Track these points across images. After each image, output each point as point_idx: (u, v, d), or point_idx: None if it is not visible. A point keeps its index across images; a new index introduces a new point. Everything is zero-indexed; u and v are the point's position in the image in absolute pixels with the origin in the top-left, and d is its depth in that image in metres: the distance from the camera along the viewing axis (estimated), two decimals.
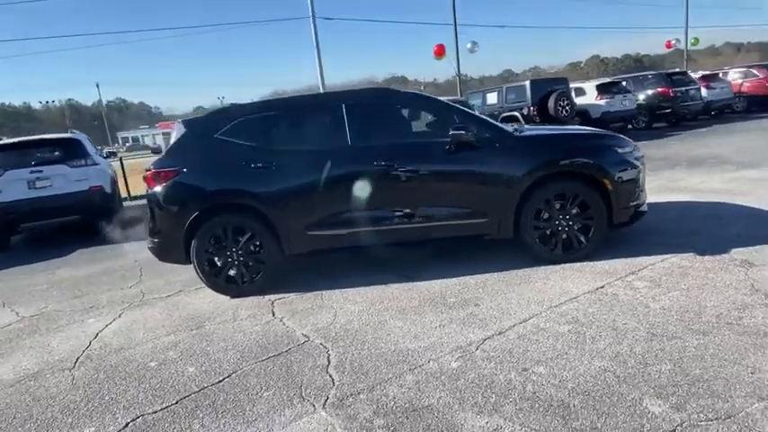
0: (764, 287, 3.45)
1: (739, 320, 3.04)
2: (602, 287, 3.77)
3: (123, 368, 3.30)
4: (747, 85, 18.45)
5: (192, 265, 4.42)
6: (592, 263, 4.25)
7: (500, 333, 3.22)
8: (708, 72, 19.32)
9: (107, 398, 2.95)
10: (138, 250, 6.66)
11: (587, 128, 5.88)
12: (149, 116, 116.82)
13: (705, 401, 2.31)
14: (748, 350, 2.70)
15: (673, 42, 27.60)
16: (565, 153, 4.30)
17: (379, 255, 4.65)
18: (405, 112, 4.69)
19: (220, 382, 2.99)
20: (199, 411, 2.70)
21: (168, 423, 2.62)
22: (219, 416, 2.63)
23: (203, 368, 3.18)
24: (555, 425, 2.27)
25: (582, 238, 4.33)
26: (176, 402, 2.81)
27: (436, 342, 3.20)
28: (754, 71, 18.50)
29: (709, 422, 2.17)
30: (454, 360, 2.95)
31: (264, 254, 4.35)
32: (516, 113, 13.02)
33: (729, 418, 2.18)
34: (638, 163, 4.45)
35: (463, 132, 4.17)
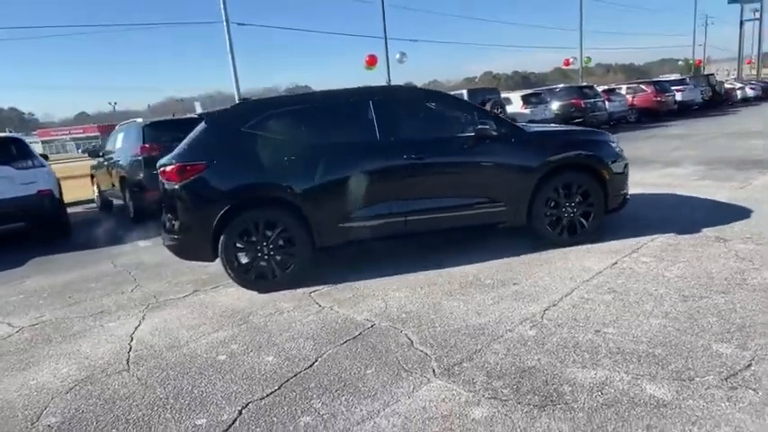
0: (747, 255, 4.14)
1: (745, 282, 3.63)
2: (615, 263, 4.26)
3: (191, 364, 3.17)
4: (638, 99, 20.99)
5: (190, 264, 4.28)
6: (595, 245, 4.76)
7: (554, 305, 3.55)
8: (607, 87, 21.68)
9: (196, 391, 2.83)
10: (110, 256, 6.23)
11: (581, 127, 6.48)
12: (22, 122, 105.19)
13: (760, 341, 2.80)
14: (765, 302, 3.27)
15: (571, 60, 30.73)
16: (572, 147, 4.79)
17: (392, 247, 4.82)
18: (427, 109, 4.91)
19: (311, 366, 3.00)
20: (310, 393, 2.70)
21: (285, 405, 2.60)
22: (335, 394, 2.67)
23: (283, 356, 3.15)
24: (655, 369, 2.61)
25: (584, 223, 4.84)
26: (279, 387, 2.79)
27: (501, 316, 3.45)
28: (643, 87, 21.12)
29: None
30: (529, 329, 3.22)
31: (295, 247, 4.33)
32: None
33: None
34: (624, 155, 5.07)
35: (488, 128, 4.50)
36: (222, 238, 4.20)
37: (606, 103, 18.82)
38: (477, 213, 4.65)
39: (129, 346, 3.52)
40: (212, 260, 4.38)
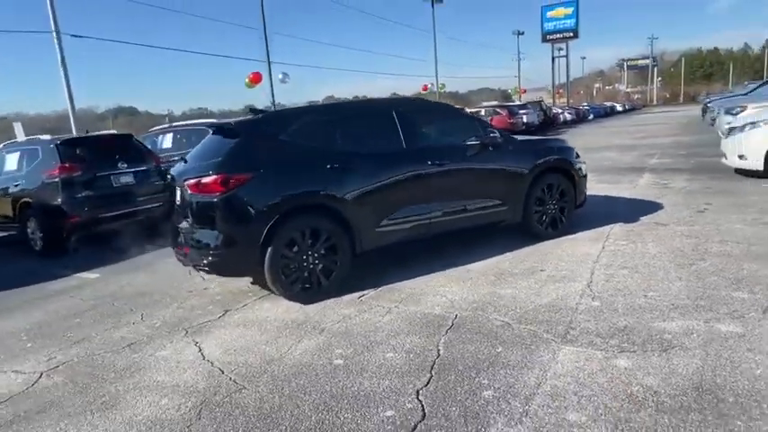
0: (691, 234, 5.30)
1: (708, 251, 4.69)
2: (603, 247, 5.11)
3: (313, 371, 3.09)
4: (495, 120, 23.85)
5: (176, 288, 4.10)
6: (573, 235, 5.61)
7: (591, 282, 4.19)
8: (473, 109, 24.27)
9: (351, 391, 2.82)
10: (58, 292, 5.39)
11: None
12: None
13: (759, 287, 3.74)
14: (741, 260, 4.32)
15: (429, 86, 33.72)
16: (551, 152, 5.60)
17: (401, 251, 5.08)
18: (439, 118, 5.29)
19: (439, 355, 3.16)
20: (466, 373, 2.89)
21: (455, 386, 2.76)
22: (491, 371, 2.90)
23: (401, 351, 3.26)
24: (713, 315, 3.35)
25: (562, 218, 5.67)
26: (433, 374, 2.92)
27: (559, 295, 3.97)
28: (499, 110, 24.11)
29: None
30: (592, 301, 3.79)
31: (337, 255, 4.36)
32: None
33: None
34: (583, 161, 6.07)
35: (497, 136, 5.07)
36: (270, 249, 4.06)
37: None
38: (485, 213, 5.16)
39: (218, 369, 3.25)
40: (255, 274, 4.18)
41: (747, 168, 7.92)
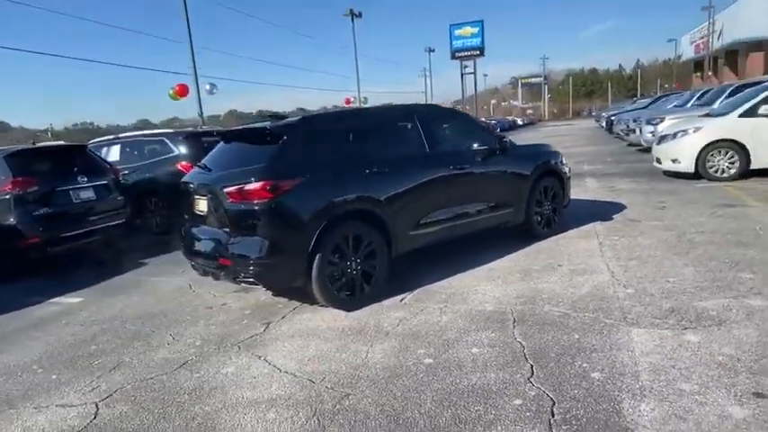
0: (669, 227, 5.94)
1: (694, 241, 5.31)
2: (600, 243, 5.57)
3: (411, 371, 3.09)
4: None
5: (191, 307, 3.98)
6: (565, 233, 6.05)
7: (612, 273, 4.55)
8: None
9: (465, 385, 2.86)
10: (54, 316, 4.81)
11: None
12: None
13: (759, 267, 4.32)
14: (724, 247, 4.94)
15: (351, 99, 34.01)
16: (545, 156, 6.01)
17: (417, 254, 5.18)
18: (454, 124, 5.43)
19: (522, 346, 3.30)
20: (564, 358, 3.05)
21: (558, 366, 2.91)
22: (581, 354, 3.09)
23: (487, 345, 3.35)
24: (736, 293, 3.82)
25: (555, 218, 6.09)
26: (536, 363, 3.05)
27: (592, 287, 4.27)
28: None
29: None
30: (626, 289, 4.14)
31: (376, 259, 4.35)
32: None
33: None
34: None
35: (507, 140, 5.35)
36: (318, 256, 3.96)
37: None
38: (496, 216, 5.41)
39: (306, 379, 3.12)
40: (301, 283, 4.04)
41: (680, 171, 9.00)
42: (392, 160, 4.52)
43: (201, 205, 4.30)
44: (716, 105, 11.22)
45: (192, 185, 4.43)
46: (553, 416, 2.52)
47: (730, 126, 8.45)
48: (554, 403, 2.62)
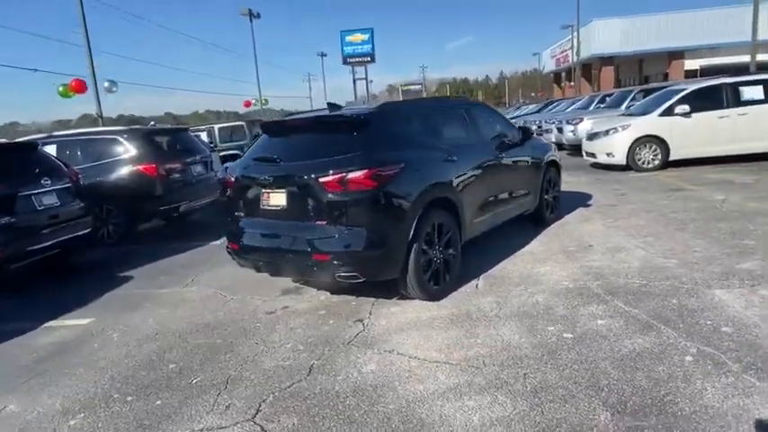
0: (646, 209, 6.73)
1: (678, 218, 6.10)
2: (604, 224, 6.15)
3: (563, 344, 3.20)
4: None
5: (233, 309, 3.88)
6: (562, 220, 6.56)
7: (641, 247, 5.09)
8: None
9: (631, 349, 3.04)
10: (76, 336, 4.10)
11: None
12: None
13: (756, 236, 5.12)
14: (708, 222, 5.75)
15: (253, 102, 32.53)
16: (550, 149, 6.46)
17: None
18: (485, 115, 5.54)
19: (638, 314, 3.59)
20: (690, 318, 3.39)
21: (704, 328, 3.24)
22: (708, 311, 3.45)
23: (606, 319, 3.57)
24: (757, 257, 4.53)
25: (556, 205, 6.58)
26: (671, 327, 3.33)
27: (638, 259, 4.74)
28: None
29: None
30: (669, 260, 4.66)
31: (451, 248, 4.36)
32: (239, 152, 13.27)
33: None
34: None
35: (531, 131, 5.66)
36: (415, 246, 3.88)
37: None
38: (521, 203, 5.71)
39: (472, 366, 3.07)
40: (396, 275, 3.91)
41: (614, 163, 10.19)
42: (457, 148, 4.57)
43: (276, 199, 3.96)
44: (623, 107, 12.88)
45: (259, 179, 4.04)
46: (733, 364, 2.80)
47: (653, 123, 9.79)
48: (722, 354, 2.92)
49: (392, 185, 3.74)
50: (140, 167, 7.57)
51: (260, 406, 2.85)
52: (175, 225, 8.92)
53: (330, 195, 3.67)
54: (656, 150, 9.87)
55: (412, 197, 3.86)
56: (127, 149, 7.70)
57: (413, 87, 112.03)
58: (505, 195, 5.31)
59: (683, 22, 33.19)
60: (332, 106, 4.41)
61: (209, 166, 8.91)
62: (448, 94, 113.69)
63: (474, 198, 4.68)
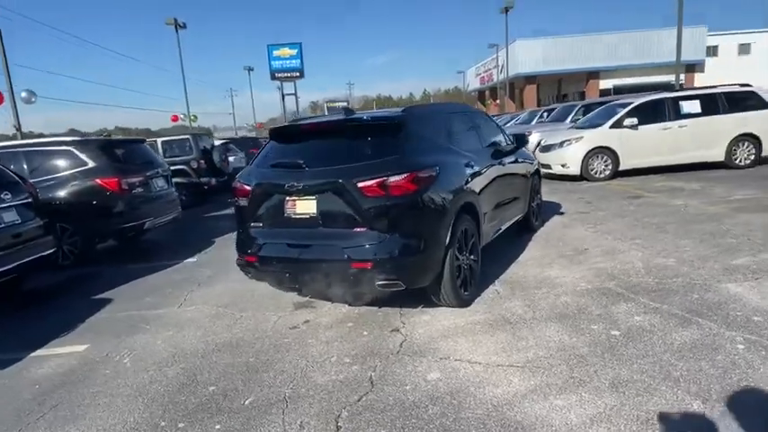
0: (618, 214, 7.13)
1: (653, 222, 6.52)
2: (586, 230, 6.45)
3: (614, 340, 3.26)
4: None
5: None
6: (545, 227, 6.81)
7: (641, 251, 5.38)
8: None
9: (681, 344, 3.16)
10: (81, 364, 3.67)
11: None
12: None
13: (734, 235, 5.58)
14: (683, 224, 6.20)
15: (180, 117, 30.99)
16: (534, 158, 6.68)
17: None
18: (483, 122, 5.57)
19: (669, 309, 3.76)
20: (717, 309, 3.59)
21: (738, 320, 3.44)
22: (731, 302, 3.67)
23: (642, 315, 3.71)
24: (744, 253, 4.93)
25: (539, 212, 6.81)
26: (705, 318, 3.51)
27: (640, 260, 4.99)
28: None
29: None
30: (668, 260, 4.95)
31: (473, 254, 4.35)
32: (185, 167, 12.56)
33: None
34: None
35: (526, 139, 5.82)
36: (450, 251, 3.83)
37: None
38: (516, 209, 5.84)
39: (527, 369, 3.04)
40: (431, 281, 3.82)
41: (569, 173, 10.75)
42: (474, 154, 4.60)
43: (304, 207, 3.75)
44: (568, 120, 13.69)
45: (284, 186, 3.81)
46: None
47: (604, 135, 10.47)
48: None
49: (432, 189, 3.69)
50: (99, 181, 6.95)
51: (338, 422, 2.65)
52: (131, 245, 8.25)
53: (370, 200, 3.54)
54: (607, 161, 10.55)
55: (448, 201, 3.82)
56: (82, 162, 7.05)
57: (338, 105, 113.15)
58: (507, 201, 5.41)
59: (598, 43, 36.09)
60: (347, 111, 4.28)
61: (169, 180, 8.37)
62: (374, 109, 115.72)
63: (487, 204, 4.71)
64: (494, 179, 4.93)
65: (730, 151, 10.48)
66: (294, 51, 50.57)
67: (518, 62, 36.99)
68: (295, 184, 3.77)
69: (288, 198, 3.83)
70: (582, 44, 36.41)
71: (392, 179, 3.53)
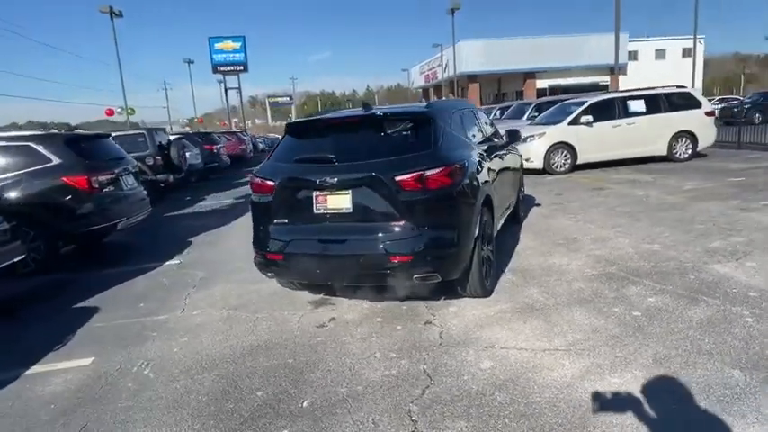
0: (593, 204, 7.56)
1: (626, 211, 6.97)
2: (569, 219, 6.79)
3: (670, 309, 3.50)
4: (228, 146, 23.30)
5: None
6: (528, 217, 7.10)
7: (629, 238, 5.74)
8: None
9: (722, 317, 3.45)
10: (102, 377, 3.46)
11: None
12: None
13: (703, 221, 6.08)
14: (653, 212, 6.68)
15: (116, 110, 29.04)
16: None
17: None
18: (485, 119, 5.69)
19: (691, 288, 4.07)
20: (727, 294, 3.93)
21: (725, 291, 3.78)
22: (740, 287, 4.03)
23: (667, 296, 3.98)
24: (725, 236, 5.40)
25: (523, 204, 7.09)
26: (724, 298, 3.83)
27: (629, 245, 5.33)
28: (229, 137, 23.68)
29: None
30: (654, 246, 5.32)
31: (491, 245, 4.48)
32: (141, 164, 11.86)
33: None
34: None
35: (518, 134, 6.03)
36: (477, 243, 3.93)
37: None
38: (511, 201, 6.04)
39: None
40: (461, 273, 3.90)
41: (533, 168, 11.21)
42: (483, 149, 4.72)
43: (337, 201, 3.71)
44: (524, 118, 14.26)
45: (315, 181, 3.73)
46: None
47: (564, 131, 11.03)
48: None
49: (464, 183, 3.77)
50: (66, 179, 6.48)
51: (411, 416, 2.66)
52: (96, 249, 7.73)
53: (408, 194, 3.56)
54: (566, 155, 11.11)
55: (477, 194, 3.92)
56: (45, 158, 6.53)
57: (280, 100, 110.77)
58: (507, 194, 5.60)
59: (535, 45, 37.73)
60: (366, 106, 4.26)
61: (138, 177, 7.93)
62: (318, 107, 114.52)
63: (497, 197, 4.85)
64: (498, 172, 5.08)
65: (671, 146, 11.36)
66: (238, 45, 48.88)
67: (462, 62, 37.90)
68: (327, 179, 3.71)
69: (318, 193, 3.77)
70: (520, 46, 37.93)
71: (429, 173, 3.57)
